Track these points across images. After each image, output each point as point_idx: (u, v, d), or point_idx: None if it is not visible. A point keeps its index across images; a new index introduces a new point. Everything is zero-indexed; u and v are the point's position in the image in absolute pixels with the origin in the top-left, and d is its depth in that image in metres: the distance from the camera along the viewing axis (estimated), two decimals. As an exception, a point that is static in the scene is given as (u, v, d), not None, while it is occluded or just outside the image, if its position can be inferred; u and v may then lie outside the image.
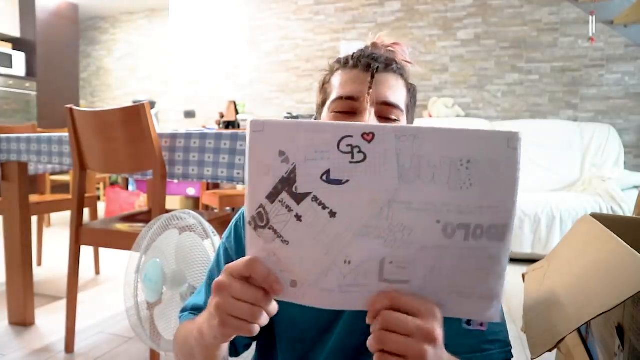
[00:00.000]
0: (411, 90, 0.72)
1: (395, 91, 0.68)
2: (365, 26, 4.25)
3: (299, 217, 0.43)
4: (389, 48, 0.75)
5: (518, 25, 3.82)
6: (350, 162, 0.41)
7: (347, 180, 0.42)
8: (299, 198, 0.43)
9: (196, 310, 0.73)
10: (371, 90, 0.66)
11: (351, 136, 0.41)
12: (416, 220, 0.42)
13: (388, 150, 0.41)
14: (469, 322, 0.47)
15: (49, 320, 1.90)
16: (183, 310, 0.75)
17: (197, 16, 4.91)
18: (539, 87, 3.78)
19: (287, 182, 0.43)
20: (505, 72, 3.86)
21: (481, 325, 0.46)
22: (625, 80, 3.58)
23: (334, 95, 0.68)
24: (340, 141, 0.41)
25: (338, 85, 0.69)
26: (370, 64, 0.67)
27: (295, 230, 0.43)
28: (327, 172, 0.42)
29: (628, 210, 2.65)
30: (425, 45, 4.09)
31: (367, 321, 0.45)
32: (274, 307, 0.48)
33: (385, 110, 0.66)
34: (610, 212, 2.68)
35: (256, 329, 0.47)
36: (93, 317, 1.95)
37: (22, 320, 1.85)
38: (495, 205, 0.41)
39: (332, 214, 0.43)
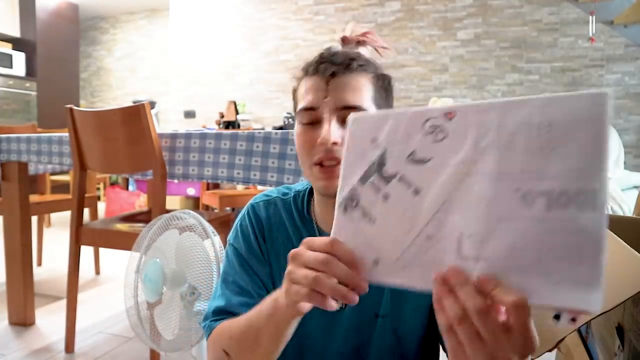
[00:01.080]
0: (380, 81, 0.69)
1: (357, 91, 0.65)
2: (365, 26, 4.24)
3: (386, 197, 0.46)
4: (361, 38, 0.73)
5: (518, 25, 3.82)
6: (434, 141, 0.44)
7: (431, 158, 0.44)
8: (388, 179, 0.46)
9: (220, 313, 0.72)
10: (327, 99, 0.64)
11: (435, 117, 0.44)
12: (494, 189, 0.40)
13: (468, 124, 0.42)
14: (557, 317, 0.39)
15: (49, 320, 1.90)
16: (205, 318, 0.74)
17: (197, 16, 4.91)
18: (539, 87, 3.78)
19: (378, 165, 0.47)
20: (505, 72, 3.86)
21: (573, 320, 0.38)
22: (625, 80, 3.58)
23: (299, 106, 0.68)
24: (424, 123, 0.44)
25: (302, 95, 0.68)
26: (334, 69, 0.65)
27: (381, 209, 0.46)
28: (413, 152, 0.45)
29: (628, 210, 2.64)
30: (425, 45, 4.09)
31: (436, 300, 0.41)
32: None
33: (348, 115, 0.64)
34: (610, 212, 2.68)
35: (319, 299, 0.47)
36: (93, 317, 1.95)
37: (22, 320, 1.85)
38: (582, 167, 0.37)
39: (416, 192, 0.44)
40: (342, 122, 0.64)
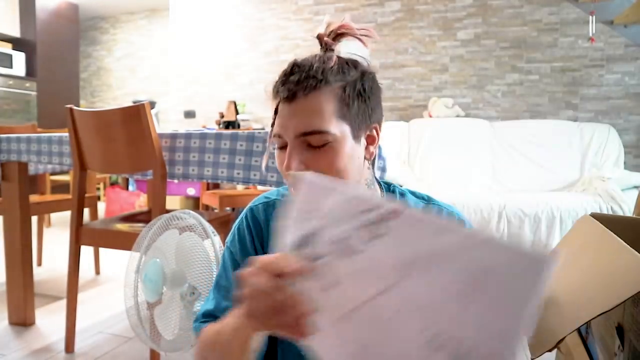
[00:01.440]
0: (350, 88, 0.65)
1: (315, 114, 0.63)
2: (365, 26, 4.25)
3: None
4: (338, 31, 0.71)
5: (518, 25, 3.82)
6: (370, 236, 0.39)
7: (360, 253, 0.39)
8: (315, 258, 0.42)
9: (208, 316, 0.73)
10: (285, 127, 0.65)
11: (379, 210, 0.38)
12: (404, 319, 0.36)
13: (405, 234, 0.37)
14: None
15: (49, 320, 1.90)
16: (195, 320, 0.75)
17: (197, 16, 4.91)
18: (539, 87, 3.78)
19: (309, 240, 0.43)
20: (505, 72, 3.86)
21: None
22: (625, 80, 3.57)
23: (272, 130, 0.69)
24: (367, 212, 0.39)
25: (273, 118, 0.69)
26: (289, 93, 0.64)
27: (304, 285, 0.43)
28: (346, 238, 0.40)
29: (628, 210, 2.64)
30: (425, 45, 4.09)
31: None
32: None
33: (310, 140, 0.64)
34: (610, 212, 2.68)
35: (287, 329, 0.45)
36: (93, 317, 1.95)
37: (22, 320, 1.85)
38: (499, 328, 0.32)
39: (331, 286, 0.40)
40: (307, 146, 0.64)
